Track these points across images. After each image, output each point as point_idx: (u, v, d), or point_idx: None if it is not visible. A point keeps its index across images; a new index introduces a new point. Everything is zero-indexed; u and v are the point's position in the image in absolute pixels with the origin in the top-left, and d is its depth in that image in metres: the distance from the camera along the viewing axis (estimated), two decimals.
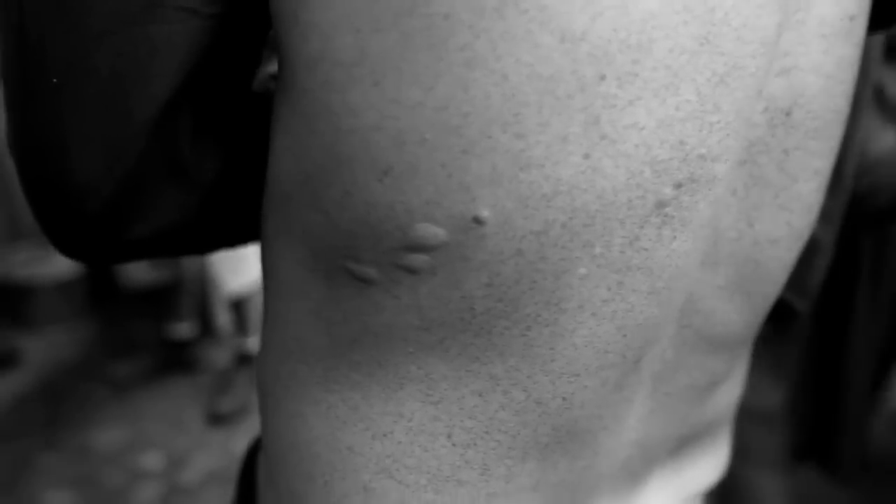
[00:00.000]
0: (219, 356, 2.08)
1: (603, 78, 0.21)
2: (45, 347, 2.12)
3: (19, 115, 0.26)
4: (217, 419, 1.77)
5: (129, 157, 0.26)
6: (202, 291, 1.99)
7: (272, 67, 0.38)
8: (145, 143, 0.26)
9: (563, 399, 0.27)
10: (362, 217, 0.23)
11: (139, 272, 2.31)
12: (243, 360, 1.88)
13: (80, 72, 0.24)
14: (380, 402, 0.27)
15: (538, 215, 0.22)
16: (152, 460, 1.62)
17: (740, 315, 0.32)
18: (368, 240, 0.24)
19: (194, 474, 1.58)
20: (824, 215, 0.44)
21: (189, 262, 1.92)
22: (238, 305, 1.83)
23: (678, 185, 0.24)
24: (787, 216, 0.30)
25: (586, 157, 0.22)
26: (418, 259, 0.23)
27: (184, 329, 1.98)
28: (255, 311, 1.84)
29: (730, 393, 0.38)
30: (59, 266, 2.24)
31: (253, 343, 1.87)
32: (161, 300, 2.17)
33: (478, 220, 0.22)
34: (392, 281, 0.24)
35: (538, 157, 0.22)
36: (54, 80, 0.25)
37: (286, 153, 0.25)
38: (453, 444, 0.27)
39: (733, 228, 0.29)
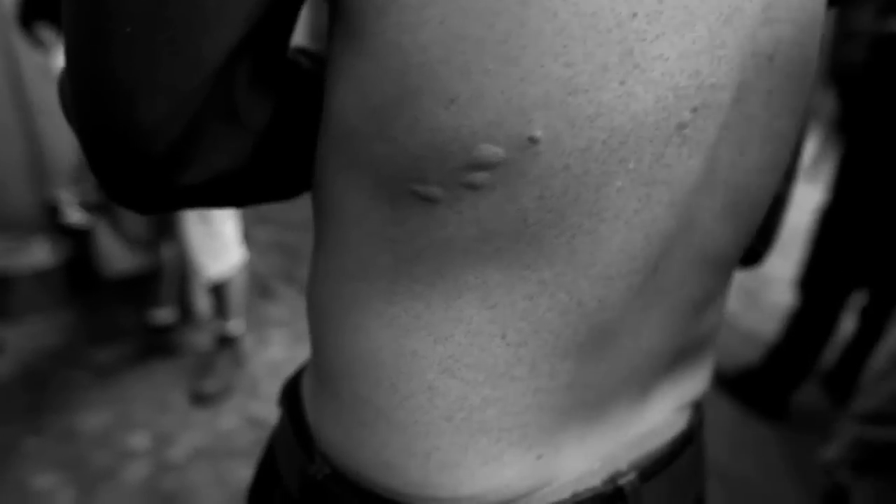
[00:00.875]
0: (199, 340, 2.01)
1: (635, 15, 0.23)
2: (26, 336, 2.00)
3: (88, 64, 0.25)
4: (201, 399, 1.71)
5: (194, 103, 0.26)
6: (181, 277, 1.92)
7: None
8: (210, 89, 0.26)
9: (599, 301, 0.28)
10: (429, 141, 0.24)
11: (119, 260, 2.23)
12: (224, 342, 1.82)
13: (155, 22, 0.24)
14: (441, 309, 0.28)
15: (583, 134, 0.24)
16: (139, 440, 1.56)
17: (731, 236, 0.34)
18: (434, 162, 0.25)
19: (181, 451, 1.53)
20: (786, 174, 0.46)
21: (168, 250, 1.84)
22: (217, 290, 1.77)
23: (694, 110, 0.26)
24: (770, 148, 0.32)
25: (622, 83, 0.24)
26: (480, 176, 0.25)
27: (164, 314, 1.91)
28: (235, 295, 1.79)
29: (717, 312, 0.40)
30: (36, 256, 2.11)
31: (232, 326, 1.81)
32: (141, 287, 2.07)
33: (532, 140, 0.24)
34: (455, 198, 0.25)
35: (584, 84, 0.23)
36: (128, 30, 0.24)
37: (350, 93, 0.26)
38: (507, 344, 0.29)
39: (727, 157, 0.31)
